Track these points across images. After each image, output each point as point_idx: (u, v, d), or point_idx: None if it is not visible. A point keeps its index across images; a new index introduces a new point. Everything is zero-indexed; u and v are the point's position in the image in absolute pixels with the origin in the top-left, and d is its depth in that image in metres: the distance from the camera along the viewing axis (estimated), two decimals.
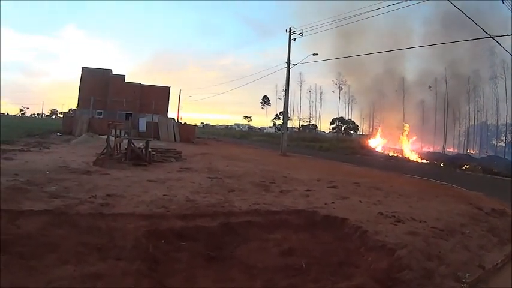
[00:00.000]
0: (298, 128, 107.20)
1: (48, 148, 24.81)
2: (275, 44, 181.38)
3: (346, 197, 14.68)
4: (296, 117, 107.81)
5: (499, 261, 8.83)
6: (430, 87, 77.56)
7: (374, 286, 6.64)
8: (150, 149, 20.97)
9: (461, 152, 71.35)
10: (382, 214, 11.78)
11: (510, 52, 30.01)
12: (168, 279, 6.21)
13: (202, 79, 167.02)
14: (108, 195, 10.91)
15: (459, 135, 79.46)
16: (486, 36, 24.38)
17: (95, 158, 18.69)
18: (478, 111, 76.09)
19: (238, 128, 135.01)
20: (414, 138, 70.29)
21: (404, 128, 72.06)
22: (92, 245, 6.66)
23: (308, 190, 15.46)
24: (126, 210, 9.47)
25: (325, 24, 40.80)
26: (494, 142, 74.75)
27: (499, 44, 26.00)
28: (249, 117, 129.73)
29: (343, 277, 7.07)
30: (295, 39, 41.27)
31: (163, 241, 7.84)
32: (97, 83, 55.52)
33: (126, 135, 26.99)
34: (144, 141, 21.84)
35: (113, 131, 20.51)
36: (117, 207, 9.72)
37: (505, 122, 70.80)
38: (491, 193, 20.39)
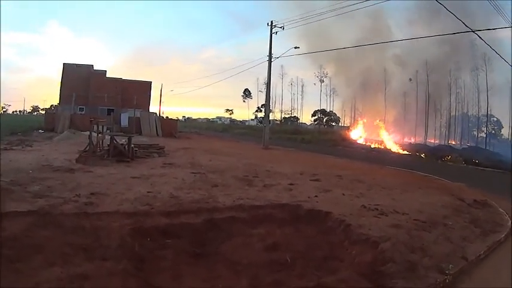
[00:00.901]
0: (280, 121, 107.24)
1: (31, 146, 24.49)
2: (257, 37, 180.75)
3: (329, 190, 14.75)
4: (278, 110, 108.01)
5: (482, 252, 8.97)
6: (410, 79, 77.98)
7: (359, 280, 6.70)
8: (132, 145, 20.89)
9: (442, 143, 72.16)
10: (365, 207, 11.87)
11: (490, 46, 30.27)
12: (155, 278, 6.25)
13: (184, 73, 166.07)
14: (92, 194, 10.83)
15: (440, 126, 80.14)
16: (467, 30, 24.54)
17: (77, 155, 18.58)
18: (458, 102, 76.92)
19: (220, 121, 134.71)
20: (393, 130, 70.92)
21: (381, 123, 72.86)
22: (78, 245, 6.65)
23: (291, 184, 15.50)
24: (111, 208, 9.42)
25: (307, 17, 40.73)
26: (475, 133, 75.57)
27: (480, 37, 26.23)
28: (231, 110, 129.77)
29: (328, 271, 7.17)
30: (276, 32, 41.25)
31: (148, 239, 7.86)
32: (78, 79, 55.19)
33: (108, 131, 26.83)
34: (127, 137, 21.75)
35: (95, 127, 20.39)
36: (102, 205, 9.65)
37: (486, 113, 71.57)
38: (473, 184, 20.65)
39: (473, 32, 25.24)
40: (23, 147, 23.27)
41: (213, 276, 6.68)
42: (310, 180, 17.11)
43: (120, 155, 19.57)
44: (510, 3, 37.16)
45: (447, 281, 7.21)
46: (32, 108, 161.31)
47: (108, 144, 19.96)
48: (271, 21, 41.50)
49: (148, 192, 11.87)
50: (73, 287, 5.21)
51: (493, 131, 75.94)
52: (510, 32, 33.32)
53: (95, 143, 19.30)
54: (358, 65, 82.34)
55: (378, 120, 76.67)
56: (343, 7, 37.09)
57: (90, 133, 19.29)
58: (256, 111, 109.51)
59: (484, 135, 72.96)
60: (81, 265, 5.89)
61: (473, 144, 67.22)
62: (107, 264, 6.03)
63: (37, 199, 9.65)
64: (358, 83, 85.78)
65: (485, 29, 26.78)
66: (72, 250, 6.41)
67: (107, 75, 59.22)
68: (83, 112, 53.17)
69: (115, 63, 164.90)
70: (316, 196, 13.22)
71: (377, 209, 11.63)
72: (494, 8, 29.52)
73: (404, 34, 75.60)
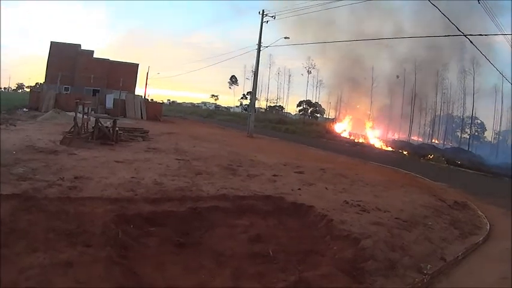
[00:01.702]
0: (265, 109, 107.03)
1: (14, 125, 24.00)
2: (246, 23, 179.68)
3: (312, 183, 14.82)
4: (263, 98, 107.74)
5: (460, 253, 9.13)
6: (398, 76, 77.98)
7: (339, 275, 6.77)
8: (117, 128, 20.75)
9: (426, 141, 72.61)
10: (347, 203, 11.95)
11: (481, 51, 30.43)
12: (138, 266, 6.23)
13: (172, 56, 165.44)
14: (76, 178, 10.75)
15: (425, 124, 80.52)
16: (459, 34, 24.61)
17: (62, 137, 18.39)
18: (444, 102, 77.35)
19: (205, 107, 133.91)
20: (377, 126, 71.14)
21: (367, 117, 73.16)
22: (61, 230, 6.61)
23: (275, 175, 15.55)
24: (94, 193, 9.38)
25: (299, 9, 40.61)
26: (458, 133, 76.15)
27: (471, 42, 26.23)
28: (216, 96, 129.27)
29: (309, 266, 7.21)
30: (267, 21, 41.09)
31: (131, 226, 7.84)
32: (65, 58, 54.33)
33: (92, 112, 26.62)
34: (111, 119, 21.63)
35: (80, 108, 20.20)
36: (85, 190, 9.61)
37: (471, 115, 72.20)
38: (454, 185, 20.87)
39: (465, 36, 25.30)
40: (7, 126, 22.94)
41: (196, 266, 6.68)
42: (294, 172, 17.18)
43: (105, 137, 19.43)
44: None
45: (425, 280, 7.34)
46: (17, 85, 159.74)
47: (92, 127, 19.78)
48: (263, 10, 41.28)
49: (132, 177, 11.84)
50: (56, 274, 5.18)
51: (477, 133, 76.66)
52: (501, 37, 33.71)
53: (79, 124, 19.12)
54: (347, 58, 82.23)
55: (363, 115, 77.03)
56: (333, 1, 36.92)
57: (76, 115, 19.09)
58: (242, 98, 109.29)
59: (467, 137, 73.53)
60: (65, 251, 5.85)
61: (456, 145, 67.82)
62: (90, 251, 6.01)
63: (21, 182, 9.56)
64: (345, 77, 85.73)
65: (477, 34, 26.94)
66: (56, 236, 6.38)
67: (94, 56, 58.64)
68: (68, 92, 52.50)
69: (103, 43, 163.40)
70: (299, 189, 13.31)
71: (359, 205, 11.74)
72: (486, 12, 29.62)
73: (395, 32, 75.44)
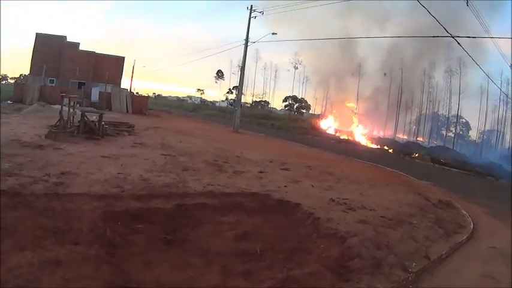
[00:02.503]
0: (251, 104, 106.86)
1: None
2: (234, 17, 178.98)
3: (298, 180, 14.88)
4: (249, 93, 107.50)
5: (444, 252, 9.26)
6: (385, 74, 78.20)
7: (326, 274, 6.83)
8: (103, 122, 20.64)
9: (411, 139, 73.05)
10: (333, 201, 12.03)
11: (468, 53, 30.64)
12: (126, 264, 6.25)
13: (158, 49, 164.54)
14: (62, 173, 10.66)
15: (410, 122, 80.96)
16: (447, 35, 24.73)
17: (47, 131, 18.21)
18: (430, 101, 77.81)
19: (191, 101, 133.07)
20: (363, 123, 71.36)
21: (352, 114, 73.40)
22: (49, 228, 6.57)
23: (261, 172, 15.58)
24: (81, 189, 9.31)
25: (288, 5, 40.59)
26: (443, 132, 76.71)
27: (458, 43, 26.38)
28: (202, 90, 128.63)
29: (296, 264, 7.27)
30: (255, 17, 41.03)
31: (119, 223, 7.84)
32: (51, 50, 53.60)
33: (78, 105, 26.42)
34: (97, 113, 21.53)
35: (66, 101, 19.98)
36: (72, 186, 9.53)
37: (456, 114, 72.79)
38: (439, 183, 21.09)
39: (453, 37, 25.44)
40: None
41: (184, 263, 6.70)
42: (280, 169, 17.22)
43: (90, 132, 19.30)
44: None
45: (410, 278, 7.42)
46: (0, 76, 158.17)
47: (78, 121, 19.65)
48: (251, 6, 41.13)
49: (118, 173, 11.79)
50: (45, 272, 5.15)
51: (461, 132, 77.42)
52: (488, 39, 33.96)
53: (65, 118, 18.99)
54: (335, 55, 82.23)
55: (349, 112, 77.28)
56: None
57: (61, 108, 18.94)
58: (228, 92, 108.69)
59: (452, 135, 74.15)
60: (53, 249, 5.82)
61: (441, 143, 68.45)
62: (78, 248, 5.99)
63: (7, 177, 9.43)
64: (332, 73, 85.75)
65: (464, 36, 27.10)
66: (43, 233, 6.34)
67: (80, 48, 58.20)
68: (54, 84, 52.08)
69: (89, 35, 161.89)
70: (285, 186, 13.35)
71: (345, 204, 11.83)
72: (474, 14, 29.78)
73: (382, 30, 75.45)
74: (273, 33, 43.52)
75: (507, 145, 68.58)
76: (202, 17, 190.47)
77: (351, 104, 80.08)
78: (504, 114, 69.89)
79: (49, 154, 13.41)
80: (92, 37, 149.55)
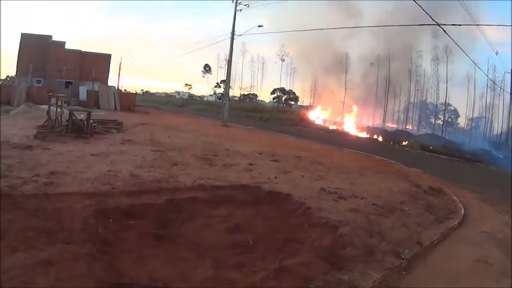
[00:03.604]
0: (239, 97, 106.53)
1: None
2: (221, 11, 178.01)
3: (288, 171, 14.96)
4: (237, 86, 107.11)
5: (436, 238, 9.32)
6: (371, 63, 78.12)
7: (319, 263, 6.90)
8: (91, 121, 20.52)
9: (400, 127, 73.10)
10: (324, 190, 12.11)
11: (454, 40, 30.73)
12: (119, 261, 6.27)
13: (145, 45, 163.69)
14: (52, 173, 10.60)
15: (399, 111, 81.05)
16: (433, 23, 24.73)
17: (35, 131, 18.07)
18: (418, 89, 77.85)
19: (179, 96, 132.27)
20: (352, 113, 71.41)
21: (341, 104, 73.53)
22: (40, 228, 6.56)
23: (251, 164, 15.62)
24: (71, 188, 9.28)
25: None
26: (432, 120, 76.94)
27: (444, 31, 26.36)
28: (190, 85, 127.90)
29: (288, 254, 7.32)
30: (241, 10, 40.93)
31: (110, 220, 7.84)
32: (36, 50, 53.07)
33: (66, 105, 26.27)
34: (85, 111, 21.47)
35: (54, 101, 19.88)
36: (62, 185, 9.48)
37: (444, 102, 73.04)
38: (429, 170, 21.23)
39: (439, 25, 25.43)
40: None
41: (177, 258, 6.73)
42: (270, 160, 17.28)
43: (79, 130, 19.21)
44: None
45: (403, 265, 7.48)
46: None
47: (66, 120, 19.57)
48: None
49: (108, 170, 11.75)
50: (38, 273, 5.16)
51: (450, 120, 77.54)
52: (474, 28, 34.05)
53: (53, 118, 18.90)
54: (321, 46, 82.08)
55: (337, 102, 77.33)
56: None
57: (49, 108, 18.84)
58: (216, 86, 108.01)
59: (441, 123, 74.36)
60: (45, 250, 5.83)
61: (429, 131, 68.50)
62: (70, 248, 6.00)
63: None
64: (319, 64, 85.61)
65: (450, 24, 27.10)
66: (35, 234, 6.33)
67: (66, 47, 57.78)
68: (41, 84, 51.62)
69: (74, 34, 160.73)
70: (276, 177, 13.39)
71: (336, 193, 11.91)
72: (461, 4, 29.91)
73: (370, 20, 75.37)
74: (259, 26, 43.43)
75: (495, 132, 68.99)
76: (188, 12, 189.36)
77: (339, 94, 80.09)
78: (492, 101, 70.16)
79: (38, 154, 13.33)
80: (78, 36, 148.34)
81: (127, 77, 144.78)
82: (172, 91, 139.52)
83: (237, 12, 41.07)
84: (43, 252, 5.72)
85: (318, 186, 12.54)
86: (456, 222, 11.13)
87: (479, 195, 16.18)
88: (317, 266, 6.77)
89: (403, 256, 7.76)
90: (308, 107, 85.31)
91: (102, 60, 59.13)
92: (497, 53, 46.65)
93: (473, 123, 74.09)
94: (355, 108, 73.83)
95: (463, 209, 12.80)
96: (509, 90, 58.17)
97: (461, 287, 7.26)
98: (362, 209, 10.49)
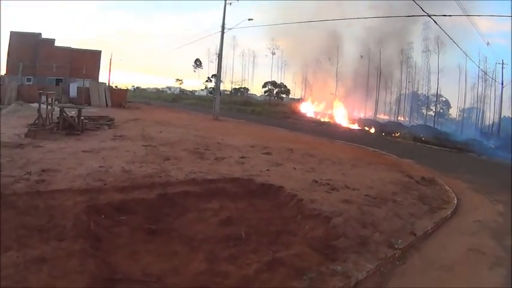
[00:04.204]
0: (230, 91, 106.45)
1: None
2: (210, 6, 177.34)
3: (280, 163, 15.02)
4: (228, 81, 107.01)
5: (429, 228, 9.37)
6: (362, 56, 78.15)
7: (312, 254, 6.91)
8: (82, 117, 20.49)
9: (392, 119, 73.25)
10: (316, 182, 12.16)
11: (444, 30, 30.74)
12: (112, 256, 6.26)
13: (135, 41, 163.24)
14: (43, 171, 10.57)
15: (390, 102, 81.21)
16: (423, 14, 24.75)
17: (26, 130, 17.99)
18: (409, 81, 77.99)
19: (170, 91, 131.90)
20: (343, 104, 71.37)
21: (332, 96, 73.56)
22: (33, 226, 6.54)
23: (243, 157, 15.69)
24: (63, 185, 9.27)
25: None
26: (424, 111, 77.16)
27: (435, 22, 26.40)
28: (181, 80, 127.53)
29: (281, 246, 7.35)
30: (231, 3, 40.90)
31: (103, 216, 7.83)
32: (26, 48, 52.95)
33: (56, 102, 26.16)
34: (76, 108, 21.41)
35: (44, 98, 19.81)
36: (54, 183, 9.47)
37: (436, 93, 73.22)
38: (421, 161, 21.31)
39: (429, 16, 25.45)
40: None
41: (170, 252, 6.74)
42: (262, 153, 17.35)
43: (70, 127, 19.18)
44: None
45: (396, 255, 7.52)
46: None
47: (57, 117, 19.51)
48: None
49: (100, 167, 11.75)
50: (31, 271, 5.14)
51: (442, 111, 77.89)
52: (463, 17, 34.06)
53: (44, 115, 18.84)
54: (312, 39, 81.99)
55: (329, 94, 77.35)
56: None
57: (39, 106, 18.78)
58: (207, 81, 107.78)
59: (433, 114, 74.62)
60: (38, 247, 5.81)
61: (421, 122, 68.68)
62: (63, 245, 5.99)
63: None
64: (310, 57, 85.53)
65: (441, 15, 27.10)
66: (27, 232, 6.31)
67: (56, 44, 57.54)
68: (31, 83, 51.46)
69: (64, 31, 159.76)
70: (268, 170, 13.46)
71: (328, 184, 11.96)
72: None
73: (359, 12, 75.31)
74: (249, 19, 43.40)
75: (487, 122, 69.29)
76: (178, 7, 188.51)
77: (330, 87, 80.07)
78: (483, 91, 70.45)
79: (29, 152, 13.31)
80: (67, 33, 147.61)
81: (118, 73, 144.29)
82: (164, 86, 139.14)
83: (227, 6, 41.05)
84: (36, 250, 5.70)
85: (310, 178, 12.60)
86: (449, 212, 11.19)
87: (472, 185, 16.28)
88: (310, 257, 6.78)
89: (396, 246, 7.81)
90: (299, 100, 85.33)
91: (93, 57, 59.12)
92: (488, 44, 46.93)
93: (464, 114, 74.43)
94: (338, 103, 73.67)
95: (455, 199, 12.86)
96: (500, 81, 58.34)
97: (455, 276, 7.29)
98: (354, 200, 10.54)
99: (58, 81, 51.53)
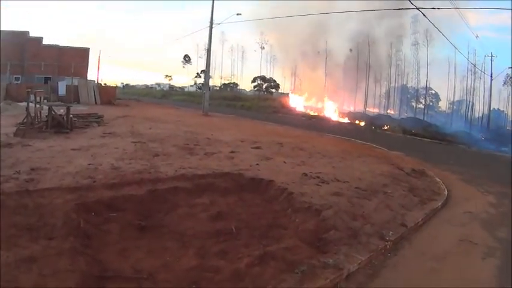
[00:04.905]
0: (220, 87, 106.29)
1: None
2: (199, 1, 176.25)
3: (270, 158, 15.08)
4: (217, 76, 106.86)
5: (420, 219, 9.40)
6: (351, 50, 78.18)
7: (303, 247, 6.97)
8: (71, 115, 20.41)
9: (381, 112, 73.39)
10: (306, 175, 12.22)
11: (434, 24, 30.84)
12: (102, 254, 6.25)
13: (124, 38, 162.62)
14: (33, 169, 10.52)
15: (380, 95, 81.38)
16: (412, 7, 24.80)
17: (15, 129, 17.87)
18: (398, 74, 78.19)
19: (159, 88, 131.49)
20: (333, 98, 71.48)
21: (322, 90, 73.67)
22: (22, 225, 6.49)
23: (232, 152, 15.72)
24: (52, 184, 9.22)
25: None
26: (413, 104, 77.38)
27: (424, 15, 26.47)
28: (170, 76, 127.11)
29: (272, 240, 7.38)
30: None
31: (92, 214, 7.82)
32: (13, 47, 52.50)
33: (45, 101, 26.03)
34: (64, 106, 21.31)
35: (33, 97, 19.75)
36: (43, 181, 9.42)
37: (425, 86, 73.53)
38: (411, 153, 21.43)
39: (418, 9, 25.50)
40: None
41: (160, 248, 6.74)
42: (252, 148, 17.36)
43: (59, 126, 19.08)
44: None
45: (388, 246, 7.54)
46: None
47: (46, 116, 19.42)
48: None
49: (89, 164, 11.72)
50: (21, 270, 5.11)
51: (431, 103, 78.24)
52: (452, 11, 34.13)
53: (32, 114, 18.73)
54: (301, 33, 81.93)
55: (318, 89, 77.40)
56: None
57: (28, 104, 18.67)
58: (196, 76, 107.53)
59: (422, 107, 74.88)
60: (28, 247, 5.77)
61: (411, 115, 68.90)
62: (53, 243, 5.96)
63: None
64: (299, 51, 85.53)
65: (429, 8, 27.14)
66: (17, 231, 6.26)
67: (44, 42, 57.17)
68: (19, 82, 51.13)
69: (51, 29, 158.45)
70: (257, 164, 13.51)
71: (318, 177, 12.00)
72: None
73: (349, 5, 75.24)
74: (237, 14, 43.37)
75: (477, 114, 69.75)
76: (167, 3, 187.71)
77: (319, 81, 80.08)
78: (473, 84, 70.80)
79: (18, 151, 13.24)
80: (56, 30, 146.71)
81: (107, 70, 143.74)
82: (153, 83, 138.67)
83: (215, 1, 40.98)
84: (26, 250, 5.67)
85: (300, 172, 12.66)
86: (440, 204, 11.28)
87: (462, 176, 16.44)
88: (301, 250, 6.83)
89: (387, 238, 7.86)
90: (289, 94, 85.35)
91: (81, 54, 58.64)
92: (477, 37, 47.12)
93: (454, 107, 74.77)
94: (327, 97, 73.74)
95: (446, 190, 12.96)
96: (489, 74, 58.57)
97: (447, 267, 7.32)
98: (345, 192, 10.60)
99: (46, 79, 51.15)
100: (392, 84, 79.57)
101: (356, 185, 11.54)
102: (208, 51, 44.83)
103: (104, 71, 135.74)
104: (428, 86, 74.29)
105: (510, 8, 32.31)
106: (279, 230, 8.03)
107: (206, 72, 47.50)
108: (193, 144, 17.20)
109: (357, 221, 8.50)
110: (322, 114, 59.60)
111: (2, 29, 52.04)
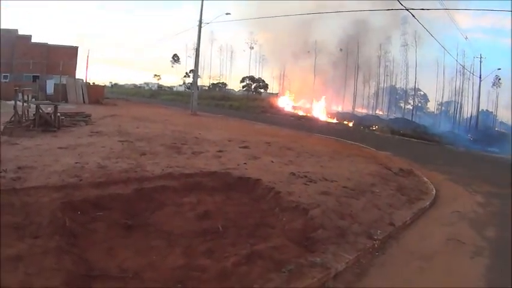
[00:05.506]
0: (208, 86, 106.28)
1: None
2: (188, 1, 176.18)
3: (258, 157, 15.11)
4: (206, 76, 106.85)
5: (408, 218, 9.45)
6: (341, 49, 78.36)
7: (291, 246, 6.96)
8: (58, 114, 20.34)
9: (370, 112, 73.68)
10: (294, 174, 12.28)
11: (423, 24, 30.96)
12: (89, 253, 6.21)
13: (112, 36, 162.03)
14: (19, 168, 10.44)
15: (368, 96, 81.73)
16: (401, 8, 24.88)
17: (2, 127, 17.76)
18: (387, 75, 78.52)
19: (148, 87, 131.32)
20: (321, 98, 71.57)
21: (310, 91, 73.86)
22: (8, 224, 6.42)
23: (220, 151, 15.75)
24: (39, 182, 9.15)
25: None
26: (402, 105, 77.71)
27: (413, 16, 26.57)
28: (159, 76, 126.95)
29: (260, 239, 7.37)
30: None
31: (79, 212, 7.78)
32: (2, 44, 52.55)
33: (33, 99, 25.94)
34: (52, 105, 21.22)
35: (20, 96, 19.70)
36: (30, 180, 9.35)
37: (414, 87, 73.98)
38: (399, 153, 21.55)
39: (407, 10, 25.59)
40: None
41: (147, 247, 6.70)
42: (239, 147, 17.41)
43: (46, 124, 19.00)
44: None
45: (375, 245, 7.55)
46: None
47: (33, 114, 19.33)
48: None
49: (76, 163, 11.67)
50: (6, 270, 5.05)
51: (420, 104, 78.76)
52: (442, 12, 34.30)
53: (20, 113, 18.65)
54: (290, 33, 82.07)
55: (307, 89, 77.54)
56: None
57: (15, 103, 18.62)
58: (185, 76, 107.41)
59: (411, 108, 75.33)
60: (13, 245, 5.72)
61: (399, 116, 69.24)
62: (39, 242, 5.91)
63: None
64: (288, 51, 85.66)
65: (419, 9, 27.25)
66: (3, 230, 6.18)
67: (32, 40, 56.85)
68: (7, 80, 50.90)
69: (41, 27, 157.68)
70: (245, 163, 13.56)
71: (306, 177, 12.05)
72: None
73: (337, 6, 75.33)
74: (226, 14, 43.38)
75: (465, 115, 70.19)
76: (156, 2, 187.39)
77: (308, 81, 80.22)
78: (461, 85, 71.29)
79: (5, 150, 13.05)
80: (45, 29, 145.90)
81: (96, 69, 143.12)
82: (142, 82, 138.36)
83: (204, 0, 40.94)
84: (11, 249, 5.60)
85: (287, 171, 12.72)
86: (428, 203, 11.35)
87: (450, 176, 16.56)
88: (289, 249, 6.82)
89: (375, 237, 7.88)
90: (278, 95, 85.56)
91: (70, 53, 58.19)
92: (466, 38, 47.45)
93: (442, 107, 75.23)
94: (316, 97, 73.94)
95: (434, 190, 13.04)
96: (478, 75, 58.94)
97: (436, 266, 7.34)
98: (332, 191, 10.65)
99: (35, 78, 50.78)
100: (381, 85, 79.94)
101: (344, 185, 11.58)
102: (197, 50, 44.87)
103: (93, 69, 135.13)
104: (416, 87, 74.83)
105: (499, 9, 32.56)
106: (267, 229, 8.02)
107: (195, 71, 47.60)
108: (181, 143, 17.19)
109: (345, 220, 8.53)
110: (310, 115, 59.71)
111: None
